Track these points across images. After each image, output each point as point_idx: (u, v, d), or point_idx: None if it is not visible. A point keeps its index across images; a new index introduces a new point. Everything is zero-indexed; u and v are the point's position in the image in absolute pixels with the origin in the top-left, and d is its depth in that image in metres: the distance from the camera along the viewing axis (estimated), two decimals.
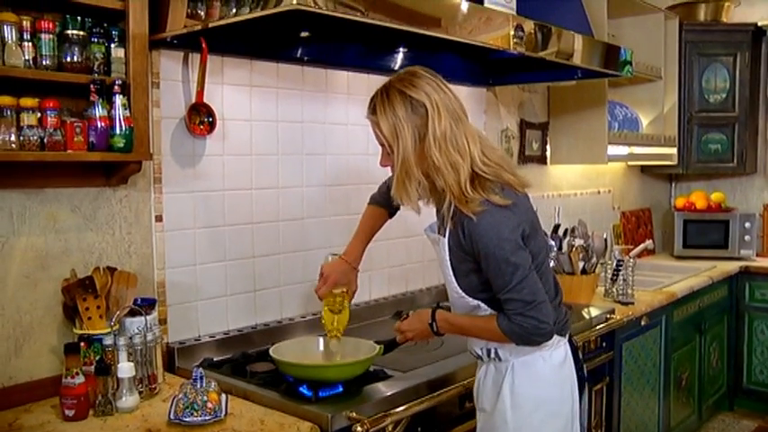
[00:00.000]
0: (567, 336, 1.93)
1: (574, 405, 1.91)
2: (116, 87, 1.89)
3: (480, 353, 1.90)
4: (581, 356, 2.00)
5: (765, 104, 4.70)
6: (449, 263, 1.82)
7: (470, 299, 1.82)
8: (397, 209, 2.21)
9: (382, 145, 1.78)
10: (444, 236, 1.81)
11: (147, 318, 1.97)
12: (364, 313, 2.75)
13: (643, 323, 3.27)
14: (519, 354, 1.83)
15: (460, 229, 1.74)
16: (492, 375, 1.90)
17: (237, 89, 2.36)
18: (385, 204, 2.21)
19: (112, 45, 1.93)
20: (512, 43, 2.35)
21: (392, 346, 2.08)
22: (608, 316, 2.97)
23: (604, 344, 2.94)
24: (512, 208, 1.72)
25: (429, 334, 1.94)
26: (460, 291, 1.83)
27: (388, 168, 1.81)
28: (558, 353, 1.87)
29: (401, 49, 2.72)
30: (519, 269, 1.69)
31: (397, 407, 1.90)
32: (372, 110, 1.77)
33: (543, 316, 1.72)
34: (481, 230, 1.69)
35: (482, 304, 1.82)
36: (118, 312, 1.94)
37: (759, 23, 4.57)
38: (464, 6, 2.17)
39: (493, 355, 1.87)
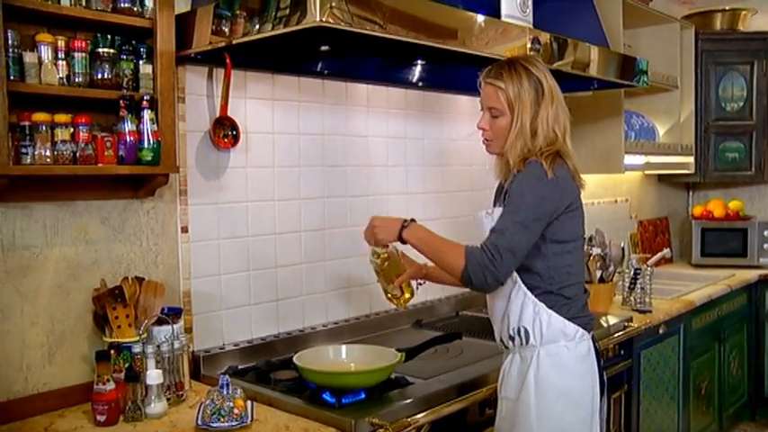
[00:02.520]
0: (591, 334, 1.99)
1: (594, 399, 1.96)
2: (144, 102, 1.95)
3: (512, 333, 1.96)
4: (602, 362, 2.03)
5: None
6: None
7: (516, 277, 1.92)
8: None
9: (491, 108, 1.96)
10: (500, 206, 1.96)
11: (174, 326, 2.02)
12: (384, 322, 2.78)
13: (661, 331, 3.29)
14: (546, 342, 1.91)
15: (509, 188, 1.91)
16: (517, 365, 1.97)
17: (260, 103, 2.42)
18: None
19: (141, 62, 1.99)
20: (521, 55, 2.39)
21: (413, 353, 2.11)
22: (626, 324, 2.99)
23: (622, 352, 2.95)
24: (558, 179, 1.87)
25: (394, 234, 1.99)
26: None
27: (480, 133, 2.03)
28: (582, 346, 1.95)
29: (419, 62, 2.77)
30: (521, 222, 1.83)
31: (419, 413, 1.94)
32: (498, 75, 1.94)
33: (505, 267, 1.82)
34: (521, 179, 1.87)
35: (522, 285, 1.93)
36: (146, 321, 1.99)
37: None
38: (480, 19, 2.22)
39: (523, 335, 1.93)
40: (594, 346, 2.00)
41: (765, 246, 4.56)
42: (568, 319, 1.93)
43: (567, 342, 1.93)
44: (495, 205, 2.06)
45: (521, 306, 1.94)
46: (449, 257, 1.89)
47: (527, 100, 1.91)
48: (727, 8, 4.66)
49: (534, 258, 1.91)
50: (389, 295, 2.25)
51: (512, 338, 1.97)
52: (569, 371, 1.93)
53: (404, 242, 1.99)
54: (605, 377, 2.04)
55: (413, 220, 1.99)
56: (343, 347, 2.23)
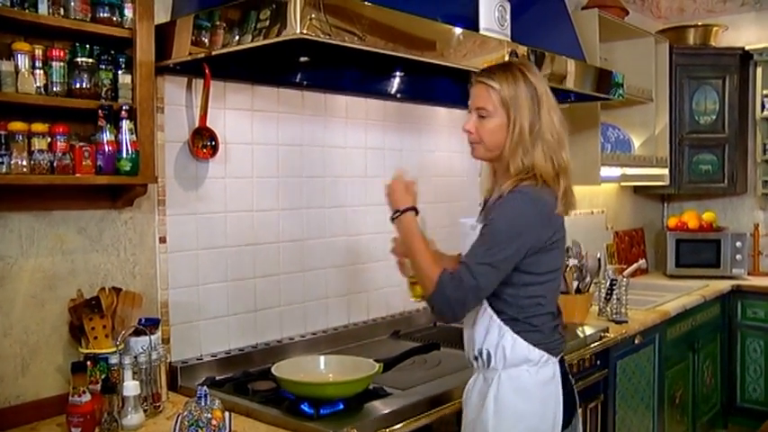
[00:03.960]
0: (559, 357, 1.93)
1: (556, 424, 1.89)
2: (123, 112, 1.94)
3: (476, 354, 1.91)
4: (572, 381, 1.98)
5: (754, 126, 4.79)
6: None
7: (486, 303, 1.86)
8: None
9: (480, 108, 1.87)
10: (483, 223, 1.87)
11: (152, 337, 2.01)
12: (362, 332, 2.79)
13: (637, 341, 3.32)
14: (508, 365, 1.86)
15: (492, 208, 1.83)
16: (480, 385, 1.93)
17: (239, 113, 2.42)
18: None
19: (119, 71, 1.99)
20: (517, 60, 2.41)
21: (392, 364, 2.11)
22: (602, 334, 3.01)
23: (599, 362, 2.98)
24: (544, 204, 1.81)
25: (390, 211, 1.92)
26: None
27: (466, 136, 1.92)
28: (545, 371, 1.88)
29: (398, 74, 2.79)
30: (495, 250, 1.75)
31: (397, 424, 1.95)
32: (491, 76, 1.86)
33: (468, 306, 1.79)
34: (506, 208, 1.79)
35: (489, 308, 1.86)
36: (123, 332, 1.98)
37: (746, 47, 4.67)
38: (459, 31, 2.24)
39: (485, 358, 1.88)
40: (562, 369, 1.93)
41: (738, 257, 4.63)
42: (534, 345, 1.86)
43: (529, 367, 1.86)
44: (479, 220, 1.95)
45: (486, 328, 1.88)
46: (422, 274, 1.82)
47: (524, 103, 1.82)
48: (699, 24, 4.75)
49: (504, 286, 1.83)
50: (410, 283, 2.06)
51: (476, 359, 1.93)
52: (530, 395, 1.86)
53: (392, 221, 1.92)
54: (576, 398, 1.99)
55: (415, 210, 1.90)
56: (321, 358, 2.23)
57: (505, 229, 1.78)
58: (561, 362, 1.94)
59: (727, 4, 4.80)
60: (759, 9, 4.79)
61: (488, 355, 1.88)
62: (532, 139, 1.82)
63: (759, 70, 4.68)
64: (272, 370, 2.04)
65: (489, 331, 1.87)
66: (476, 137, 1.90)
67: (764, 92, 4.67)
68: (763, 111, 4.68)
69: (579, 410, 2.04)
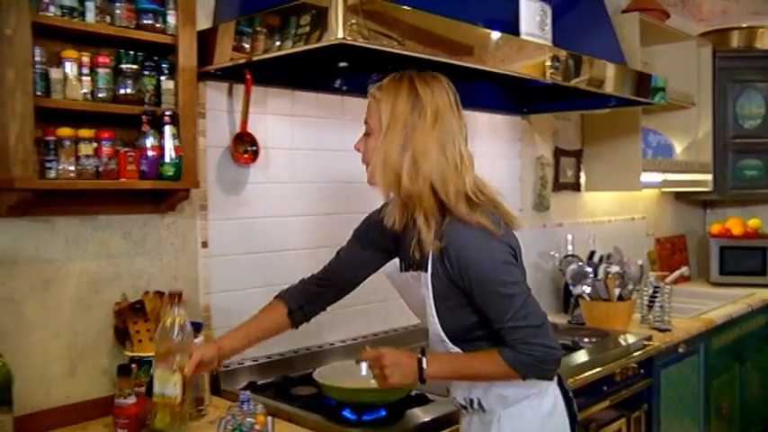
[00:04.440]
0: (556, 379, 1.74)
1: None
2: (166, 118, 1.96)
3: (463, 402, 1.75)
4: (571, 396, 1.80)
5: None
6: (432, 301, 1.63)
7: (450, 345, 1.65)
8: (303, 319, 1.94)
9: (365, 123, 1.67)
10: (426, 270, 1.62)
11: (195, 341, 2.02)
12: (403, 338, 2.77)
13: (681, 350, 3.25)
14: (506, 404, 1.68)
15: (446, 259, 1.57)
16: (477, 427, 1.75)
17: (280, 119, 2.43)
18: (290, 302, 1.91)
19: (163, 77, 2.01)
20: (548, 73, 2.39)
21: None
22: (645, 343, 2.96)
23: (642, 371, 2.92)
24: (503, 236, 1.58)
25: (412, 372, 1.61)
26: (443, 335, 1.66)
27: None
28: (547, 400, 1.70)
29: None
30: (519, 293, 1.55)
31: (439, 430, 1.93)
32: (379, 86, 1.65)
33: (551, 341, 1.57)
34: (470, 254, 1.54)
35: (460, 352, 1.66)
36: None
37: None
38: (497, 36, 2.22)
39: (476, 406, 1.71)
40: (562, 390, 1.76)
41: None
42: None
43: (530, 401, 1.68)
44: (412, 266, 1.69)
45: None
46: (495, 376, 1.61)
47: (400, 119, 1.57)
48: (744, 26, 4.65)
49: (472, 329, 1.64)
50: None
51: (464, 407, 1.77)
52: None
53: (425, 381, 1.64)
54: (576, 407, 1.81)
55: (423, 350, 1.64)
56: (363, 363, 2.22)
57: (500, 268, 1.56)
58: (559, 381, 1.76)
59: None
60: None
61: (479, 402, 1.71)
62: (409, 161, 1.57)
63: None
64: (314, 375, 2.04)
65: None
66: (363, 157, 1.69)
67: None
68: None
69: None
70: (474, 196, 1.59)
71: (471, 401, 1.72)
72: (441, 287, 1.61)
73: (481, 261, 1.55)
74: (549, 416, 1.70)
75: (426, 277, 1.62)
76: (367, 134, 1.67)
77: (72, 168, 1.81)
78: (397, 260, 1.78)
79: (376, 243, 1.87)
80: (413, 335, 2.81)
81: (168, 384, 1.69)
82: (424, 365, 1.60)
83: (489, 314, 1.58)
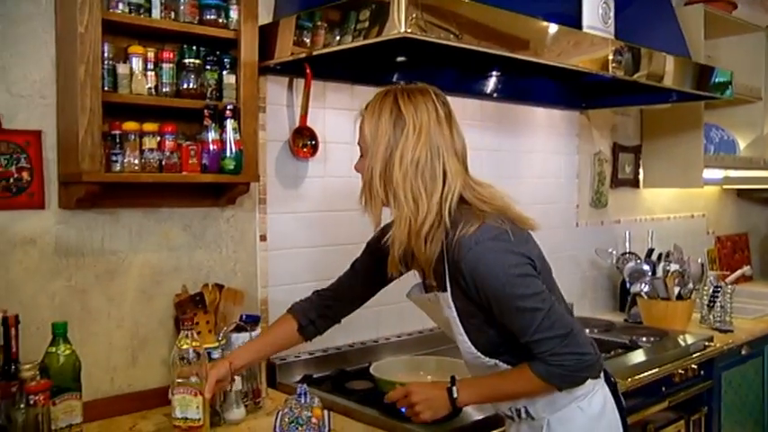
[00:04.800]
0: (603, 377, 1.69)
1: None
2: (227, 112, 1.98)
3: (510, 413, 1.69)
4: (620, 395, 1.75)
5: None
6: (458, 320, 1.60)
7: (486, 359, 1.62)
8: (315, 333, 1.92)
9: (359, 144, 1.64)
10: (446, 290, 1.58)
11: (252, 334, 2.04)
12: None
13: (744, 352, 3.15)
14: (554, 409, 1.62)
15: (461, 277, 1.51)
16: None
17: (339, 113, 2.43)
18: (301, 317, 1.89)
19: (224, 72, 2.03)
20: (610, 67, 2.34)
21: None
22: (706, 344, 2.88)
23: (702, 372, 2.84)
24: (511, 240, 1.51)
25: (444, 403, 1.62)
26: (476, 351, 1.62)
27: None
28: (596, 399, 1.64)
29: (494, 73, 2.75)
30: (541, 304, 1.48)
31: (495, 428, 1.91)
32: (366, 107, 1.62)
33: (581, 346, 1.51)
34: (483, 270, 1.48)
35: (499, 362, 1.61)
36: (225, 328, 2.02)
37: None
38: (562, 30, 2.18)
39: (524, 415, 1.66)
40: (612, 389, 1.70)
41: None
42: None
43: (579, 403, 1.62)
44: (431, 290, 1.66)
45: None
46: (529, 392, 1.59)
47: (383, 136, 1.53)
48: None
49: (509, 341, 1.56)
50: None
51: (510, 417, 1.72)
52: None
53: (458, 409, 1.65)
54: (623, 412, 1.75)
55: (452, 379, 1.65)
56: (419, 359, 2.22)
57: (515, 282, 1.48)
58: (607, 379, 1.71)
59: None
60: None
61: (526, 411, 1.66)
62: (389, 177, 1.53)
63: None
64: (371, 370, 2.04)
65: None
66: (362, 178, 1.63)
67: None
68: None
69: None
70: (475, 205, 1.54)
71: (519, 411, 1.67)
72: (463, 306, 1.57)
73: (496, 277, 1.47)
74: (599, 416, 1.65)
75: (446, 297, 1.58)
76: (362, 155, 1.62)
77: (136, 162, 1.85)
78: (418, 280, 1.72)
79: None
80: None
81: (191, 408, 1.71)
82: (455, 395, 1.59)
83: (513, 329, 1.52)
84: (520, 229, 1.56)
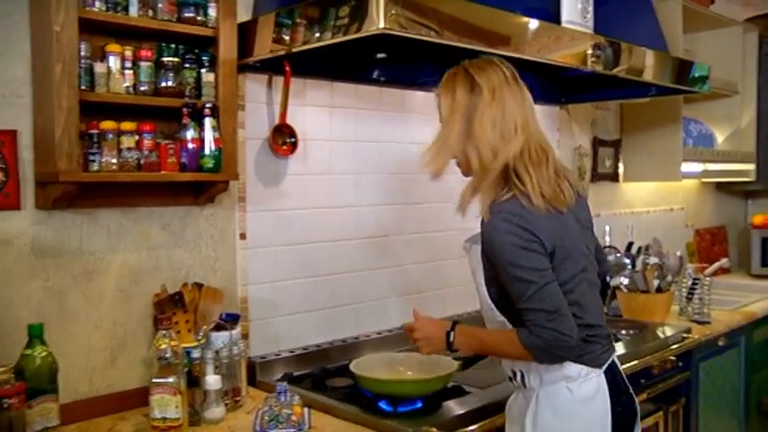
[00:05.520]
0: (604, 368, 1.76)
1: None
2: (206, 110, 1.97)
3: (510, 374, 1.82)
4: (631, 392, 1.84)
5: None
6: (481, 270, 1.75)
7: (498, 314, 1.74)
8: None
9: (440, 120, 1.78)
10: (477, 243, 1.74)
11: (232, 332, 2.04)
12: None
13: (721, 343, 3.20)
14: (545, 383, 1.73)
15: (483, 236, 1.70)
16: (519, 404, 1.82)
17: (319, 110, 2.43)
18: None
19: (203, 70, 2.02)
20: (589, 61, 2.35)
21: (471, 362, 2.09)
22: (684, 335, 2.92)
23: (680, 363, 2.88)
24: (526, 217, 1.63)
25: (441, 344, 1.80)
26: (490, 301, 1.75)
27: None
28: (587, 386, 1.73)
29: None
30: (536, 278, 1.61)
31: (476, 423, 1.92)
32: (439, 85, 1.79)
33: (565, 328, 1.61)
34: (493, 233, 1.65)
35: (506, 321, 1.73)
36: (205, 327, 2.02)
37: None
38: (540, 25, 2.19)
39: (519, 380, 1.78)
40: (612, 381, 1.77)
41: None
42: (572, 360, 1.71)
43: (569, 383, 1.72)
44: (477, 242, 1.77)
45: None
46: (511, 354, 1.72)
47: (459, 105, 1.70)
48: None
49: (509, 299, 1.70)
50: None
51: (510, 379, 1.84)
52: (570, 415, 1.72)
53: (454, 351, 1.82)
54: (637, 405, 1.86)
55: (453, 323, 1.80)
56: (399, 356, 2.23)
57: (513, 252, 1.62)
58: (610, 373, 1.78)
59: None
60: None
61: (522, 375, 1.77)
62: (474, 140, 1.69)
63: None
64: (350, 367, 2.05)
65: None
66: None
67: None
68: None
69: (640, 423, 1.90)
70: (516, 171, 1.67)
71: (515, 374, 1.80)
72: (484, 258, 1.73)
73: (501, 245, 1.64)
74: (586, 402, 1.72)
75: (477, 249, 1.73)
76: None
77: (114, 161, 1.83)
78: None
79: None
80: None
81: (170, 408, 1.72)
82: (451, 339, 1.78)
83: (510, 292, 1.66)
84: (547, 209, 1.67)
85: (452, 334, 1.78)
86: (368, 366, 2.09)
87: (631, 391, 1.86)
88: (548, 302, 1.61)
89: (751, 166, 4.29)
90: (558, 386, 1.72)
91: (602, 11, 2.48)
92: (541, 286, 1.61)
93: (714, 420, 3.20)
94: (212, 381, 1.90)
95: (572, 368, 1.71)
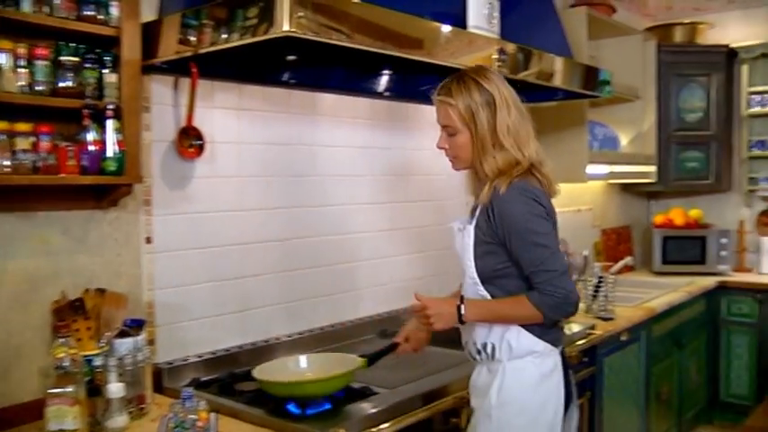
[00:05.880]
0: (560, 348, 1.98)
1: (557, 415, 1.94)
2: (108, 112, 1.92)
3: (479, 348, 1.96)
4: (570, 372, 2.03)
5: (740, 123, 4.82)
6: (471, 247, 1.92)
7: (481, 288, 1.92)
8: None
9: (446, 126, 1.94)
10: (471, 223, 1.93)
11: (137, 338, 1.99)
12: (350, 332, 2.78)
13: (623, 338, 3.34)
14: (513, 357, 1.91)
15: (491, 210, 1.86)
16: (484, 377, 1.97)
17: (226, 112, 2.40)
18: None
19: (105, 70, 1.97)
20: (495, 66, 2.41)
21: (376, 358, 2.11)
22: (589, 332, 3.03)
23: (586, 359, 2.98)
24: (538, 194, 1.87)
25: (453, 318, 1.90)
26: (476, 277, 1.92)
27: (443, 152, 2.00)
28: (548, 362, 1.93)
29: (386, 72, 2.77)
30: (550, 243, 1.84)
31: (384, 423, 1.94)
32: (448, 92, 1.91)
33: (571, 286, 1.85)
34: (513, 208, 1.84)
35: (488, 296, 1.92)
36: (108, 333, 1.96)
37: (732, 45, 4.70)
38: (447, 29, 2.23)
39: (489, 351, 1.93)
40: (563, 361, 1.99)
41: (723, 253, 4.67)
42: (538, 337, 1.91)
43: (534, 358, 1.92)
44: (467, 221, 1.99)
45: (489, 324, 1.93)
46: (521, 316, 1.88)
47: (482, 113, 1.88)
48: (686, 21, 4.77)
49: (508, 278, 1.90)
50: None
51: (478, 353, 1.98)
52: (533, 387, 1.91)
53: (463, 323, 1.93)
54: (573, 387, 2.04)
55: (461, 298, 1.92)
56: (304, 357, 2.22)
57: (530, 219, 1.84)
58: (561, 354, 1.99)
59: (713, 2, 4.81)
60: (745, 7, 4.81)
61: (493, 348, 1.93)
62: (497, 143, 1.88)
63: (744, 68, 4.72)
64: (254, 373, 2.03)
65: (493, 325, 1.93)
66: (450, 152, 1.98)
67: (750, 89, 4.72)
68: (748, 108, 4.72)
69: (578, 401, 2.09)
70: (535, 170, 1.90)
71: (485, 346, 1.94)
72: (480, 235, 1.91)
73: (518, 215, 1.84)
74: (548, 375, 1.93)
75: (471, 229, 1.92)
76: (451, 134, 1.93)
77: (8, 163, 1.76)
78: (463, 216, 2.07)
79: None
80: (359, 328, 2.84)
81: (67, 419, 1.67)
82: (463, 311, 1.89)
83: (522, 260, 1.85)
84: (547, 192, 1.93)
85: (462, 306, 1.89)
86: (272, 371, 2.07)
87: (571, 373, 2.04)
88: (559, 264, 1.83)
89: (652, 168, 4.50)
90: (524, 360, 1.91)
91: (509, 17, 2.55)
92: (554, 251, 1.84)
93: (617, 411, 3.33)
94: (115, 389, 1.85)
95: (539, 345, 1.91)
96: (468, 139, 1.90)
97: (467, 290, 1.97)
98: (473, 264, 1.93)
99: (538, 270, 1.83)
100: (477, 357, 1.99)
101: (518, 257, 1.86)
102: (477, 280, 1.93)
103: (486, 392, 1.93)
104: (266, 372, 2.05)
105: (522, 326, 1.90)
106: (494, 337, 1.93)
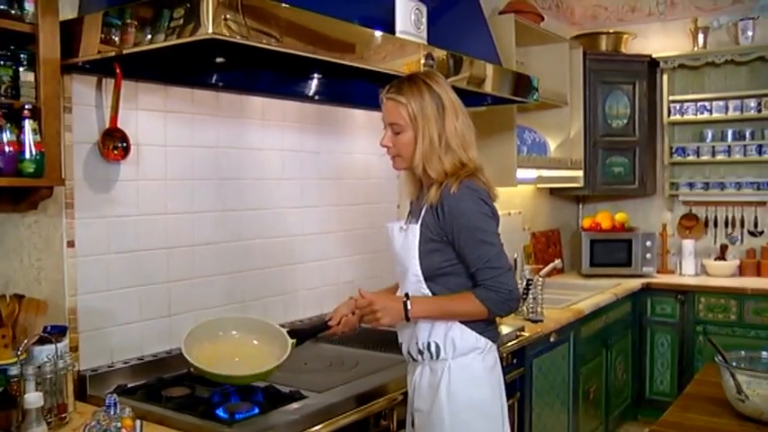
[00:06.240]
0: (497, 344, 2.07)
1: (503, 408, 2.04)
2: (25, 112, 1.86)
3: (421, 348, 1.99)
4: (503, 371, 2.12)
5: (662, 130, 5.00)
6: (417, 245, 1.97)
7: (424, 286, 1.97)
8: None
9: (393, 124, 1.98)
10: (417, 223, 1.98)
11: (58, 345, 1.93)
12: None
13: (552, 340, 3.41)
14: (458, 354, 1.96)
15: (440, 208, 1.92)
16: (427, 377, 2.00)
17: (152, 114, 2.36)
18: None
19: (21, 69, 1.90)
20: (422, 70, 2.44)
21: (304, 338, 2.13)
22: (518, 333, 3.08)
23: (515, 360, 3.04)
24: (486, 194, 1.95)
25: (399, 313, 1.93)
26: (420, 274, 1.97)
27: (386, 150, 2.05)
28: (490, 357, 2.02)
29: (315, 76, 2.78)
30: (497, 242, 1.93)
31: (315, 426, 1.94)
32: (399, 91, 1.96)
33: (514, 285, 1.93)
34: (463, 206, 1.90)
35: (430, 295, 1.97)
36: (26, 341, 1.90)
37: (653, 55, 4.88)
38: (377, 35, 2.25)
39: (433, 350, 1.97)
40: (500, 354, 2.09)
41: (648, 255, 4.83)
42: (480, 333, 1.97)
43: (476, 354, 1.97)
44: (409, 221, 2.04)
45: (432, 321, 1.97)
46: (467, 312, 1.94)
47: (431, 114, 1.93)
48: (611, 31, 4.93)
49: (451, 275, 1.96)
50: None
51: (420, 353, 2.00)
52: (480, 382, 1.98)
53: (409, 320, 1.95)
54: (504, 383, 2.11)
55: (406, 295, 1.96)
56: (234, 327, 2.20)
57: (479, 216, 1.91)
58: (498, 349, 2.08)
59: (635, 14, 5.00)
60: (664, 20, 5.01)
61: (437, 347, 1.97)
62: (444, 146, 1.94)
63: (665, 77, 4.90)
64: (183, 350, 1.99)
65: (435, 324, 1.97)
66: (394, 150, 2.02)
67: (670, 98, 4.90)
68: (669, 116, 4.90)
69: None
70: (477, 169, 1.97)
71: (429, 345, 1.98)
72: (426, 233, 1.96)
73: (468, 212, 1.90)
74: (491, 369, 2.02)
75: (416, 228, 1.97)
76: (397, 132, 1.97)
77: None
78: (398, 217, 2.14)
79: None
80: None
81: None
82: (409, 307, 1.93)
83: (469, 257, 1.92)
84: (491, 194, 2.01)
85: (408, 302, 1.93)
86: (200, 338, 2.07)
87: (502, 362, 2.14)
88: (504, 262, 1.92)
89: (580, 173, 4.62)
90: (468, 357, 1.97)
91: (437, 23, 2.58)
92: (499, 250, 1.92)
93: (546, 411, 3.40)
94: (32, 398, 1.77)
95: (481, 341, 1.98)
96: (413, 138, 1.95)
97: (409, 288, 2.00)
98: (418, 261, 1.97)
99: (484, 267, 1.90)
100: (419, 358, 2.02)
101: (464, 255, 1.92)
102: (422, 277, 1.97)
103: (435, 392, 1.96)
104: (195, 338, 2.04)
105: (464, 323, 1.96)
106: (436, 335, 1.97)
